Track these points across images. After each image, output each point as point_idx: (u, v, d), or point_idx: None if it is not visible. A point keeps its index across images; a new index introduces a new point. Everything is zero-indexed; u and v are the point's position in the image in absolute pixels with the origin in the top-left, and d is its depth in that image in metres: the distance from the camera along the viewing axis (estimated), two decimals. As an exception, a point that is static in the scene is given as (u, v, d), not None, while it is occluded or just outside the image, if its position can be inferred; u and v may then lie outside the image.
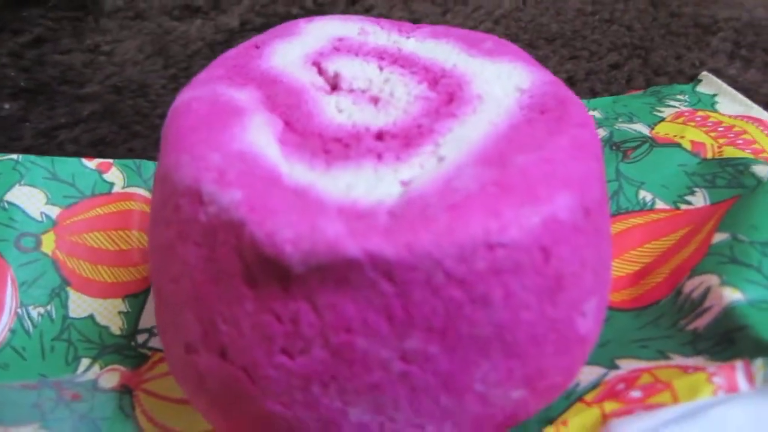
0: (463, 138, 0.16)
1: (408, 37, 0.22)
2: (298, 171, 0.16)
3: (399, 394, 0.14)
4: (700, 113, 0.30)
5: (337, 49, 0.22)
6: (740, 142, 0.27)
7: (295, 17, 0.47)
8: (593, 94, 0.36)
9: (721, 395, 0.15)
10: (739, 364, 0.16)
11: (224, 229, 0.14)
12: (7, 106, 0.41)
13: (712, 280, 0.19)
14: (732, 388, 0.15)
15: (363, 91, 0.19)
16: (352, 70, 0.20)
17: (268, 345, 0.14)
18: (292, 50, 0.21)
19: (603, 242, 0.16)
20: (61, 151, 0.37)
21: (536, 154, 0.15)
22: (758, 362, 0.15)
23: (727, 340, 0.17)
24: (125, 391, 0.22)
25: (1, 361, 0.22)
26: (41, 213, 0.26)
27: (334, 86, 0.20)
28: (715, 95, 0.32)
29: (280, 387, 0.14)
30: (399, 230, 0.13)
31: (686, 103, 0.31)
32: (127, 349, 0.24)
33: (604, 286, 0.17)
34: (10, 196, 0.26)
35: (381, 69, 0.20)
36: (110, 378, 0.23)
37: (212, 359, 0.15)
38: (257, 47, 0.22)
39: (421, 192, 0.14)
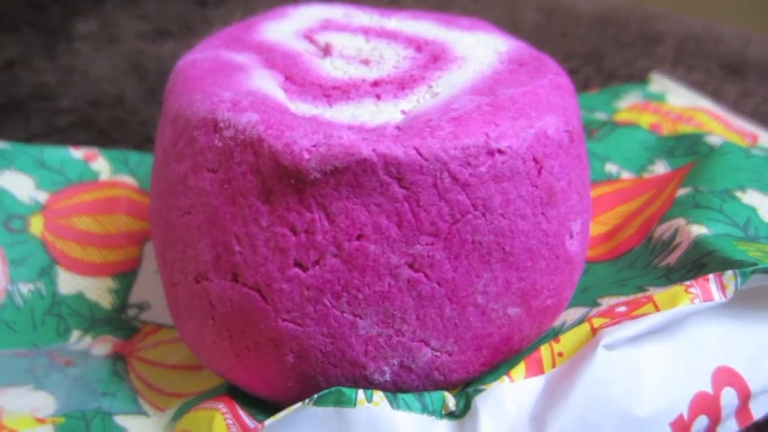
0: (454, 80, 0.18)
1: (389, 18, 0.24)
2: (303, 108, 0.17)
3: (406, 303, 0.15)
4: (653, 104, 0.33)
5: (325, 27, 0.23)
6: (692, 125, 0.30)
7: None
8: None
9: (698, 303, 0.17)
10: (711, 277, 0.17)
11: (241, 149, 0.15)
12: (-21, 122, 0.40)
13: (680, 222, 0.21)
14: (707, 297, 0.17)
15: (354, 57, 0.21)
16: (341, 41, 0.22)
17: (282, 258, 0.15)
18: (283, 27, 0.23)
19: (584, 170, 0.18)
20: (39, 154, 0.36)
21: (522, 88, 0.17)
22: (728, 273, 0.17)
23: (698, 266, 0.18)
24: (118, 358, 0.22)
25: (-10, 333, 0.22)
26: (30, 197, 0.26)
27: (326, 54, 0.21)
28: (664, 93, 0.35)
29: (293, 302, 0.15)
30: (408, 137, 0.15)
31: (639, 97, 0.34)
32: (117, 322, 0.24)
33: (586, 210, 0.18)
34: (-1, 180, 0.26)
35: (368, 41, 0.22)
36: (103, 347, 0.23)
37: (224, 284, 0.16)
38: (249, 27, 0.23)
39: (423, 112, 0.16)
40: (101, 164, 0.29)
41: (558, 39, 0.45)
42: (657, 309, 0.17)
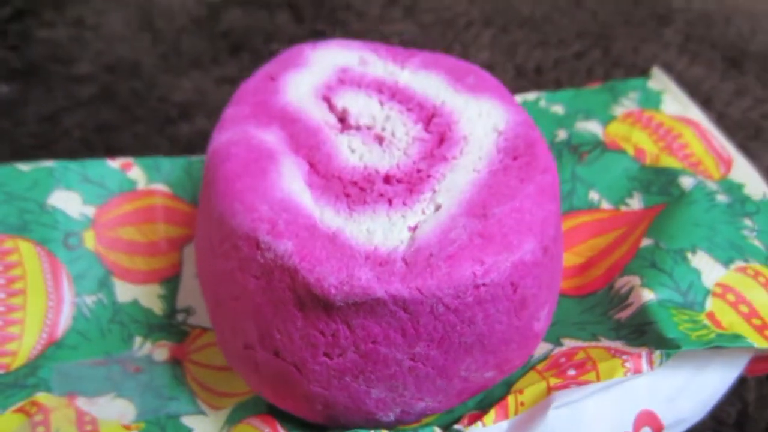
0: (454, 186, 0.21)
1: (402, 68, 0.26)
2: (327, 216, 0.20)
3: (408, 380, 0.20)
4: (646, 113, 0.35)
5: (342, 81, 0.25)
6: (676, 146, 0.33)
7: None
8: (558, 84, 0.40)
9: (629, 375, 0.21)
10: (644, 353, 0.22)
11: (279, 270, 0.19)
12: (5, 88, 0.42)
13: (635, 281, 0.25)
14: (637, 370, 0.21)
15: (369, 128, 0.24)
16: (357, 105, 0.24)
17: (314, 350, 0.19)
18: (303, 82, 0.25)
19: (556, 266, 0.22)
20: (68, 136, 0.39)
21: (509, 204, 0.20)
22: (657, 353, 0.21)
23: (639, 331, 0.23)
24: (175, 363, 0.27)
25: (71, 343, 0.27)
26: (80, 213, 0.30)
27: (342, 119, 0.24)
28: (661, 93, 0.37)
29: (322, 376, 0.20)
30: (412, 277, 0.19)
31: (636, 102, 0.36)
32: (170, 327, 0.28)
33: (554, 295, 0.22)
34: (51, 200, 0.29)
35: (382, 104, 0.25)
36: (161, 352, 0.27)
37: (267, 356, 0.20)
38: (272, 79, 0.25)
39: (426, 241, 0.19)
40: (137, 173, 0.32)
41: (569, 10, 0.45)
42: (598, 379, 0.21)
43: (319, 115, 0.24)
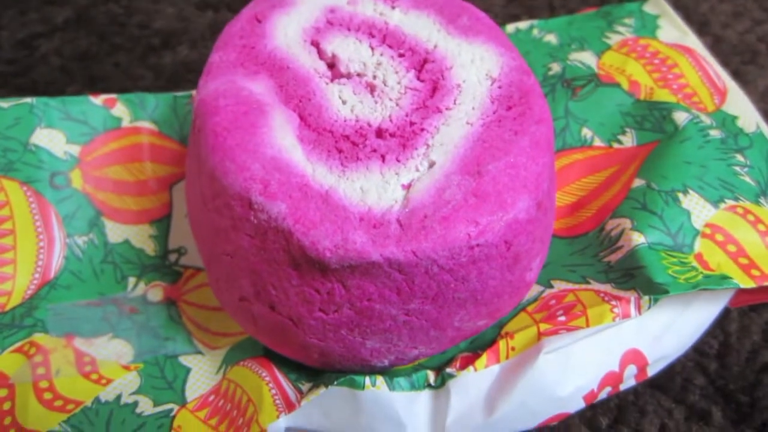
0: (448, 140, 0.20)
1: (393, 7, 0.25)
2: (320, 173, 0.20)
3: (402, 332, 0.21)
4: (642, 41, 0.34)
5: (330, 23, 0.24)
6: (671, 76, 0.32)
7: None
8: (551, 9, 0.38)
9: (618, 321, 0.22)
10: (632, 298, 0.22)
11: (273, 232, 0.19)
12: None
13: (626, 223, 0.25)
14: (626, 315, 0.22)
15: (360, 75, 0.23)
16: (347, 51, 0.23)
17: (309, 306, 0.20)
18: (291, 24, 0.24)
19: (549, 217, 0.22)
20: (46, 64, 0.37)
21: (503, 160, 0.20)
22: (646, 297, 0.22)
23: (628, 275, 0.24)
24: (170, 303, 0.27)
25: (65, 284, 0.27)
26: (64, 152, 0.29)
27: (332, 66, 0.23)
28: (657, 17, 0.35)
29: (318, 330, 0.20)
30: (407, 239, 0.18)
31: (631, 29, 0.34)
32: (163, 268, 0.28)
33: (546, 245, 0.22)
34: (34, 139, 0.28)
35: (372, 49, 0.23)
36: (155, 292, 0.28)
37: (263, 309, 0.21)
38: (259, 21, 0.24)
39: (420, 201, 0.19)
40: (121, 110, 0.31)
41: None
42: (588, 325, 0.22)
43: (308, 62, 0.23)
